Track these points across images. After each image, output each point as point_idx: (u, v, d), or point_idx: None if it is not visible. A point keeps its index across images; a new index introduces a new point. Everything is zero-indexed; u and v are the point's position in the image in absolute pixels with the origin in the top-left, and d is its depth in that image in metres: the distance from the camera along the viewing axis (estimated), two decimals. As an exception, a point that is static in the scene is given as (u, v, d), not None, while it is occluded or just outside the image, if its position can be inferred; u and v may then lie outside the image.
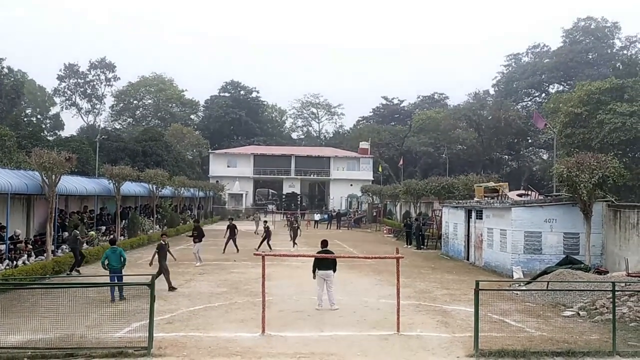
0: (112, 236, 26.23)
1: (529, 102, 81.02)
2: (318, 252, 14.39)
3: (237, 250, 26.36)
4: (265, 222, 30.99)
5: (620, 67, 52.41)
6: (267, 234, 28.34)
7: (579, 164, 17.92)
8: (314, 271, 13.96)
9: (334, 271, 13.94)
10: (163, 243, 16.53)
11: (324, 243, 14.70)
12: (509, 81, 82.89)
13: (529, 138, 72.72)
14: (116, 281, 14.07)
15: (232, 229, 27.14)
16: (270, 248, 27.34)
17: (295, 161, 70.71)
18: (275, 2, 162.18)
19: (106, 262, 14.50)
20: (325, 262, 13.77)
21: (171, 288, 15.90)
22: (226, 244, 26.95)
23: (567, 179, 18.24)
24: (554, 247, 19.34)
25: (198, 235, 22.39)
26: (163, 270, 16.09)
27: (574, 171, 17.79)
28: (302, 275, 18.40)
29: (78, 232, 20.05)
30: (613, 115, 39.91)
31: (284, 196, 69.34)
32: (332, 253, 14.54)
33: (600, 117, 40.50)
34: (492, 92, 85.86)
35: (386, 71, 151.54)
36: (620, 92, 42.47)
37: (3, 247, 18.10)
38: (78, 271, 19.05)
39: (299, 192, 69.92)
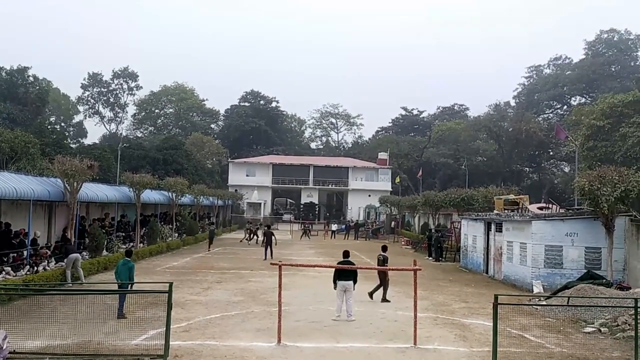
0: (131, 245, 26.52)
1: (551, 114, 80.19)
2: (339, 263, 14.29)
3: (265, 258, 26.77)
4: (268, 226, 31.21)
5: (644, 80, 51.65)
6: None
7: (600, 177, 17.63)
8: (334, 281, 13.86)
9: (355, 282, 13.84)
10: (385, 255, 16.99)
11: (346, 253, 14.60)
12: (530, 93, 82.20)
13: (550, 150, 71.90)
14: (120, 297, 12.95)
15: (269, 236, 28.07)
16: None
17: (314, 171, 70.80)
18: (300, 14, 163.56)
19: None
20: (345, 273, 13.64)
21: (384, 299, 16.21)
22: (265, 251, 27.70)
23: (588, 193, 17.95)
24: (575, 262, 19.02)
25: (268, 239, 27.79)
26: (384, 282, 16.41)
27: (596, 185, 17.50)
28: (319, 285, 18.36)
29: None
30: (636, 129, 39.23)
31: (302, 206, 69.41)
32: (353, 264, 14.40)
33: (623, 130, 39.88)
34: (512, 103, 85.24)
35: (406, 82, 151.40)
36: (644, 105, 41.80)
37: (25, 252, 18.36)
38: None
39: (317, 202, 69.92)
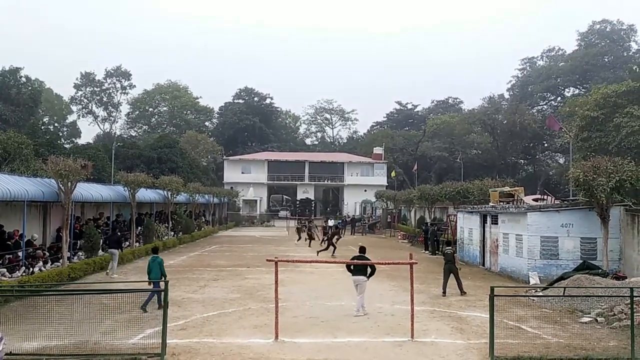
0: (127, 244, 26.43)
1: (545, 106, 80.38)
2: (353, 258, 14.30)
3: (332, 254, 26.82)
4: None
5: (637, 70, 51.62)
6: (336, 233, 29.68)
7: (595, 167, 17.67)
8: (348, 268, 13.86)
9: (372, 274, 13.74)
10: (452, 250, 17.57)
11: (362, 249, 14.57)
12: (524, 85, 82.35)
13: (544, 142, 72.11)
14: (154, 294, 13.25)
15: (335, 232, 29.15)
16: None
17: (309, 167, 70.81)
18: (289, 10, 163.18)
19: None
20: (358, 268, 13.57)
21: (462, 292, 16.65)
22: (330, 243, 27.94)
23: (583, 183, 17.99)
24: (571, 252, 19.08)
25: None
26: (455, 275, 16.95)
27: (591, 175, 17.54)
28: (316, 281, 18.38)
29: None
30: (630, 119, 39.30)
31: (297, 202, 69.39)
32: (368, 259, 14.14)
33: (617, 120, 39.94)
34: (507, 96, 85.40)
35: (400, 76, 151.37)
36: (637, 95, 41.77)
37: (20, 253, 18.28)
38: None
39: (313, 198, 69.92)
